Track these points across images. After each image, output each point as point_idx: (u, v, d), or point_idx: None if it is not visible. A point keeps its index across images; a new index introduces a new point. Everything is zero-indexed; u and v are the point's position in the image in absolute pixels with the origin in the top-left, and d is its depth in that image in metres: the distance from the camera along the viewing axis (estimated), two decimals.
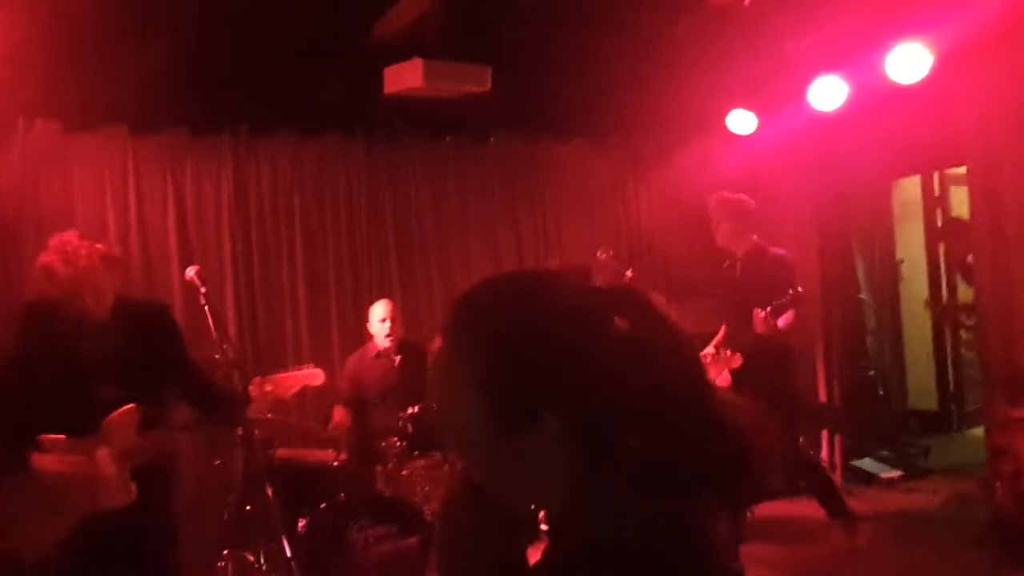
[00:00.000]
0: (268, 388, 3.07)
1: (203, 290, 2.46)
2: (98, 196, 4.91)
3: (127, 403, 2.52)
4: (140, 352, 2.47)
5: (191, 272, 2.55)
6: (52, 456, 2.47)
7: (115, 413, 2.50)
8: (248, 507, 3.97)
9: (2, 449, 2.56)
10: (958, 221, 6.40)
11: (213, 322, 2.35)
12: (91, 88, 4.30)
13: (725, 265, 4.63)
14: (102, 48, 3.94)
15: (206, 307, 2.42)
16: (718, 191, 4.65)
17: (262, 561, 3.94)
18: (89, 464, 2.48)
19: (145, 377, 2.45)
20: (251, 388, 3.00)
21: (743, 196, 4.58)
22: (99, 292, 2.67)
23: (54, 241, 2.70)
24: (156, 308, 2.81)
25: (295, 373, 3.25)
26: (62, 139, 4.81)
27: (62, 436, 2.49)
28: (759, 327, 4.19)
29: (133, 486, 2.40)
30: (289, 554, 3.66)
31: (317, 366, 3.53)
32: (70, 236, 2.69)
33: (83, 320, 2.64)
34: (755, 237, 4.51)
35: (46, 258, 2.67)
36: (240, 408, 2.90)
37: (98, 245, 2.73)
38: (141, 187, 5.04)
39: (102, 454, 2.48)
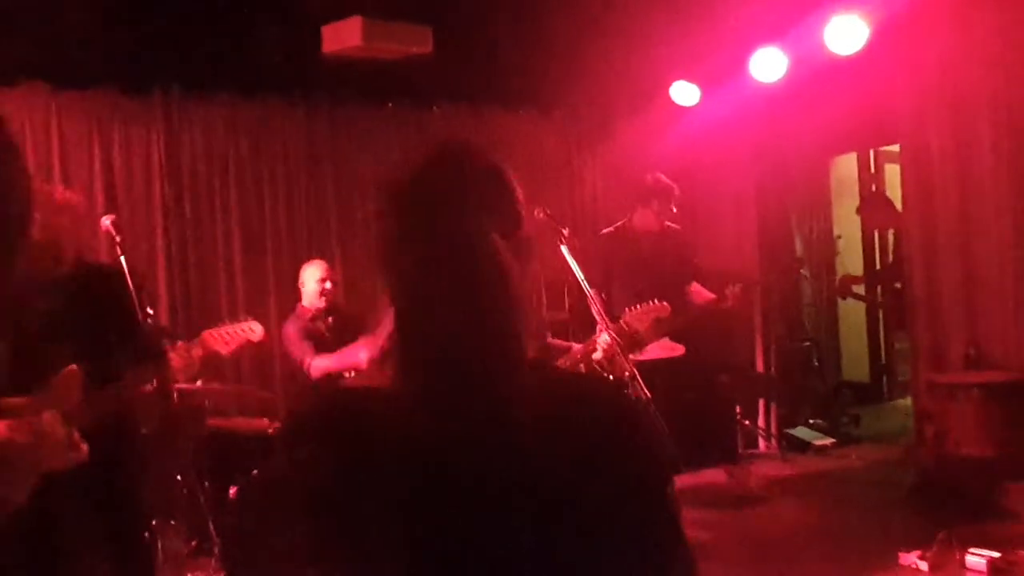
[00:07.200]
0: (197, 352, 2.72)
1: (118, 239, 2.34)
2: None
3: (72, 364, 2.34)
4: (92, 314, 2.26)
5: (107, 222, 2.42)
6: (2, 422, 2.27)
7: (59, 375, 2.33)
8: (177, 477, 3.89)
9: None
10: (878, 195, 6.61)
11: (130, 273, 2.24)
12: (9, 39, 4.07)
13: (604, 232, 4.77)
14: None
15: (122, 257, 2.30)
16: (653, 171, 4.74)
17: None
18: (37, 426, 2.29)
19: (96, 340, 2.25)
20: (174, 355, 2.62)
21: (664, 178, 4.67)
22: (67, 245, 2.41)
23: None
24: (109, 269, 2.60)
25: (231, 328, 2.88)
26: None
27: (24, 400, 2.27)
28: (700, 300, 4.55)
29: (84, 446, 2.21)
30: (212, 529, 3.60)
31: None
32: (40, 183, 2.49)
33: (39, 276, 2.36)
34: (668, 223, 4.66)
35: None
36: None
37: (68, 193, 2.49)
38: (66, 147, 4.83)
39: (49, 416, 2.30)
